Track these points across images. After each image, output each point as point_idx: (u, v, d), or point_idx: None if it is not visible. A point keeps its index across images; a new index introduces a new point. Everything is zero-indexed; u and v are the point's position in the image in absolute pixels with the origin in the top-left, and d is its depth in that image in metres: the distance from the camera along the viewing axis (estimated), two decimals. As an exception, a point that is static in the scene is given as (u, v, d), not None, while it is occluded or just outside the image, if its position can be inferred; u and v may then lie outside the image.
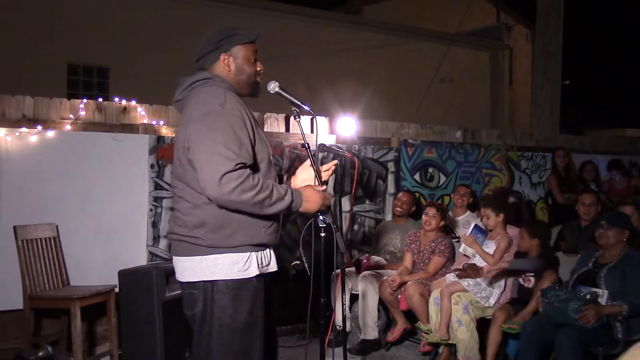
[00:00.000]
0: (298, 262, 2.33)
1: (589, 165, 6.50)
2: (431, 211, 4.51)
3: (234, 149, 2.08)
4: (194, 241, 2.17)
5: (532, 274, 3.93)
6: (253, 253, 2.21)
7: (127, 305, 3.87)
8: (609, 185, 6.55)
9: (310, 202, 2.25)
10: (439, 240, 4.47)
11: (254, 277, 2.21)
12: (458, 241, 4.58)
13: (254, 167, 2.20)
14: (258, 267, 2.23)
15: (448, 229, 4.89)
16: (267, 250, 2.32)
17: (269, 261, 2.33)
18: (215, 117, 2.11)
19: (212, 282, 2.16)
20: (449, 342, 3.95)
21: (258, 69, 2.36)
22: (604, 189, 6.42)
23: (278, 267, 2.46)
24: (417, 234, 4.62)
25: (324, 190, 2.33)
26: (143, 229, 4.46)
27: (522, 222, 4.81)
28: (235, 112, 2.15)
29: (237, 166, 2.06)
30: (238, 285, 2.18)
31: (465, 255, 4.27)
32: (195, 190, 2.17)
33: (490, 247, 4.07)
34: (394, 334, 4.42)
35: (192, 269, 2.19)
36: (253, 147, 2.20)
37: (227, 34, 2.31)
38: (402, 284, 4.33)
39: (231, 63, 2.30)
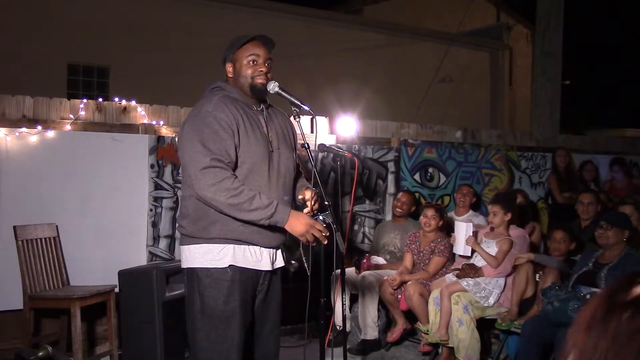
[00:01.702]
0: (294, 261, 2.34)
1: (589, 165, 6.49)
2: (430, 212, 4.51)
3: (210, 147, 2.24)
4: (181, 230, 2.43)
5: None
6: (231, 245, 2.34)
7: (127, 305, 3.87)
8: (610, 184, 6.54)
9: (298, 223, 2.29)
10: (439, 240, 4.47)
11: (227, 267, 2.33)
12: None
13: (235, 168, 2.32)
14: (233, 259, 2.33)
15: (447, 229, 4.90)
16: (257, 247, 2.38)
17: (259, 258, 2.39)
18: (199, 119, 2.30)
19: (193, 270, 2.36)
20: (448, 342, 3.95)
21: (260, 69, 2.41)
22: (605, 189, 6.42)
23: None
24: (417, 234, 4.62)
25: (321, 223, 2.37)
26: (143, 229, 4.46)
27: (527, 221, 4.83)
28: (220, 115, 2.29)
29: (212, 162, 2.21)
30: (212, 274, 2.33)
31: (461, 256, 4.27)
32: (185, 183, 2.40)
33: (491, 246, 4.07)
34: (394, 334, 4.42)
35: (181, 256, 2.45)
36: (237, 150, 2.32)
37: (229, 44, 2.48)
38: (403, 283, 4.33)
39: (232, 69, 2.45)
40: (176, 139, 4.55)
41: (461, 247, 4.18)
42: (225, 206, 2.22)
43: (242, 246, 2.35)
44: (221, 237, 2.32)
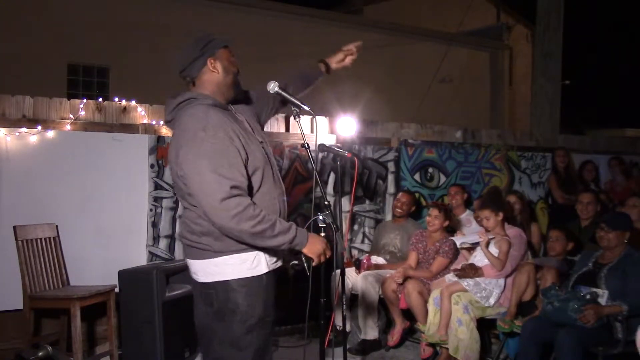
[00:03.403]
0: (296, 262, 2.32)
1: (589, 165, 6.49)
2: (433, 212, 4.52)
3: (223, 173, 2.09)
4: (202, 247, 2.23)
5: None
6: (260, 252, 2.24)
7: (127, 305, 3.87)
8: (610, 185, 6.54)
9: (315, 246, 2.26)
10: (443, 241, 4.46)
11: (263, 274, 2.25)
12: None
13: (250, 185, 2.21)
14: (267, 264, 2.27)
15: (451, 229, 4.90)
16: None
17: (277, 257, 2.36)
18: (199, 143, 2.10)
19: (225, 282, 2.21)
20: (448, 342, 3.94)
21: (238, 67, 2.36)
22: (605, 189, 6.42)
23: (278, 266, 2.48)
24: (424, 233, 4.62)
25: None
26: (143, 229, 4.46)
27: (523, 222, 4.82)
28: (218, 133, 2.13)
29: (232, 190, 2.08)
30: (249, 282, 2.22)
31: (464, 248, 4.26)
32: (192, 200, 2.20)
33: (490, 248, 4.06)
34: (394, 337, 4.41)
35: (204, 271, 2.24)
36: (246, 164, 2.19)
37: (207, 39, 2.29)
38: (407, 278, 4.31)
39: (218, 66, 2.28)
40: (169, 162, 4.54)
41: (466, 239, 4.19)
42: (248, 235, 2.12)
43: (263, 251, 2.29)
44: (250, 246, 2.22)
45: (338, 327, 4.23)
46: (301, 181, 5.06)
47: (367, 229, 5.40)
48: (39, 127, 4.16)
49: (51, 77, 9.38)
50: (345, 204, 5.14)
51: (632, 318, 3.36)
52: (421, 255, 4.55)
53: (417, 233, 4.67)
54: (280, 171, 4.92)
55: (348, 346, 3.76)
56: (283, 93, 2.42)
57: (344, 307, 3.44)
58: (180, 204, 2.44)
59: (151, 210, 4.49)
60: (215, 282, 2.22)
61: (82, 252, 4.24)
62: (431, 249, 4.50)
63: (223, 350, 2.25)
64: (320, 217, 2.40)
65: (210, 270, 2.23)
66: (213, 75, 2.29)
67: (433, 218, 4.50)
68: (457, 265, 4.27)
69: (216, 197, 2.07)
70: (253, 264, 2.23)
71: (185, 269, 2.52)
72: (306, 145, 2.44)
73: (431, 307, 4.07)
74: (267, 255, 2.27)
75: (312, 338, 4.14)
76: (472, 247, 4.23)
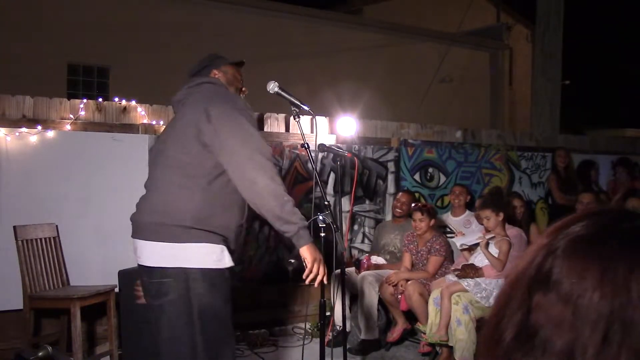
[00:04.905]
0: (292, 260, 2.31)
1: (595, 165, 6.51)
2: (417, 216, 4.49)
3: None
4: (178, 226, 2.19)
5: None
6: (224, 246, 2.26)
7: (127, 305, 3.87)
8: (613, 185, 6.54)
9: (315, 251, 2.27)
10: (434, 239, 4.47)
11: (226, 268, 2.26)
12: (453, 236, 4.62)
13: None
14: (230, 260, 2.28)
15: (450, 231, 4.91)
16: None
17: (232, 256, 2.37)
18: (239, 110, 2.24)
19: (187, 270, 2.18)
20: (448, 342, 3.95)
21: (243, 88, 2.55)
22: (607, 189, 6.43)
23: (278, 267, 2.49)
24: (414, 234, 4.62)
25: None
26: (143, 229, 4.46)
27: (522, 223, 4.82)
28: (249, 111, 2.32)
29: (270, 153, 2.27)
30: (213, 275, 2.22)
31: (464, 249, 4.26)
32: (192, 176, 2.23)
33: (491, 249, 4.06)
34: (394, 334, 4.42)
35: (168, 253, 2.20)
36: None
37: (216, 55, 2.55)
38: (403, 280, 4.31)
39: (221, 77, 2.46)
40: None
41: (466, 240, 4.19)
42: (279, 195, 2.18)
43: (227, 247, 2.31)
44: (220, 234, 2.24)
45: (338, 327, 4.24)
46: (301, 181, 5.06)
47: (367, 229, 5.40)
48: (39, 127, 4.16)
49: (51, 77, 9.38)
50: (345, 204, 5.14)
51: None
52: (414, 256, 4.55)
53: (408, 234, 4.66)
54: (281, 171, 4.94)
55: (348, 346, 3.76)
56: (283, 93, 2.44)
57: (344, 307, 3.44)
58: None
59: (151, 210, 4.49)
60: (176, 268, 2.18)
61: (82, 252, 4.24)
62: (423, 249, 4.50)
63: (173, 346, 2.20)
64: (320, 217, 2.40)
65: (178, 254, 2.18)
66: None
67: (418, 222, 4.48)
68: (457, 265, 4.27)
69: (264, 151, 2.19)
70: (218, 257, 2.24)
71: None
72: (306, 145, 2.45)
73: (431, 307, 4.07)
74: (227, 251, 2.28)
75: (312, 338, 4.14)
76: (472, 248, 4.23)
